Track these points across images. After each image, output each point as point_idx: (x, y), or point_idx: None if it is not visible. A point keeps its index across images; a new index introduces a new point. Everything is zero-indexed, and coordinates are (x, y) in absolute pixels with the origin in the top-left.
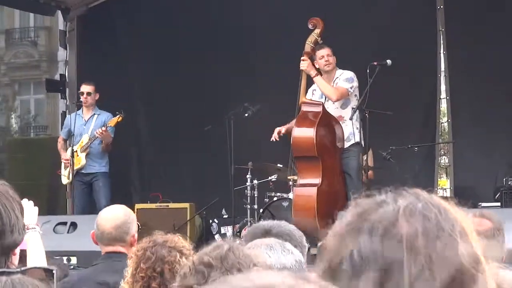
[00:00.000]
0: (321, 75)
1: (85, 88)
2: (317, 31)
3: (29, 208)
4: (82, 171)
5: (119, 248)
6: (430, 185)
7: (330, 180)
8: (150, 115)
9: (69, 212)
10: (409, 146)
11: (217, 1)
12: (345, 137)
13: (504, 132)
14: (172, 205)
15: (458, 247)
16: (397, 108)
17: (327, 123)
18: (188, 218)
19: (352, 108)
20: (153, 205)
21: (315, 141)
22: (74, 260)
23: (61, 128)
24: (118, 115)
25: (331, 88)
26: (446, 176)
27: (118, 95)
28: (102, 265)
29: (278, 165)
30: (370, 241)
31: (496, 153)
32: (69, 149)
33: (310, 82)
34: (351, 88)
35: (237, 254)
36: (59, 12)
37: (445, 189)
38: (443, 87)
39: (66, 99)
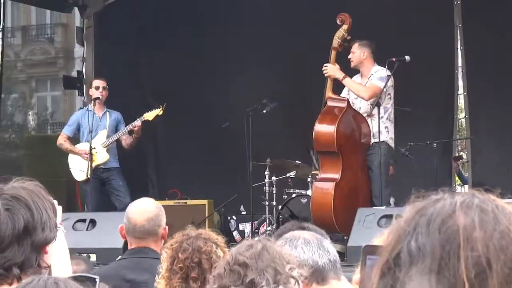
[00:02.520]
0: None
1: (100, 82)
2: (345, 26)
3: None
4: (102, 167)
5: (149, 242)
6: (448, 181)
7: (351, 176)
8: (166, 112)
9: (79, 209)
10: (428, 142)
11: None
12: (371, 134)
13: None
14: (190, 201)
15: None
16: (414, 104)
17: (351, 119)
18: (206, 215)
19: (384, 107)
20: (171, 202)
21: (335, 137)
22: (93, 257)
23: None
24: (160, 108)
25: (362, 88)
26: (464, 172)
27: (134, 91)
28: (129, 260)
29: (297, 161)
30: (428, 231)
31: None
32: (87, 144)
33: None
34: (384, 87)
35: (271, 252)
36: (76, 9)
37: (463, 185)
38: (460, 83)
39: (83, 96)
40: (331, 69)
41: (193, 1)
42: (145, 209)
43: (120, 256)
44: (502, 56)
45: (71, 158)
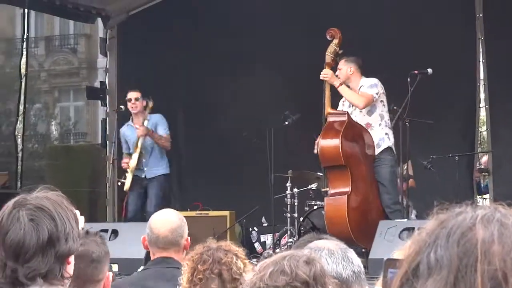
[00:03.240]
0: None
1: (132, 94)
2: (335, 41)
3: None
4: (138, 174)
5: (172, 253)
6: (469, 194)
7: (361, 188)
8: (189, 123)
9: (110, 219)
10: (450, 155)
11: (256, 8)
12: (375, 144)
13: None
14: (212, 213)
15: None
16: (436, 117)
17: (353, 131)
18: (228, 226)
19: (379, 114)
20: (193, 213)
21: (340, 150)
22: (115, 267)
23: (101, 137)
24: (147, 102)
25: (357, 96)
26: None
27: (157, 102)
28: (152, 270)
29: (318, 173)
30: (447, 243)
31: None
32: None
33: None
34: (376, 93)
35: (324, 272)
36: (99, 20)
37: (484, 198)
38: (482, 96)
39: (106, 106)
40: (331, 75)
41: (215, 12)
42: (168, 220)
43: (142, 266)
44: None
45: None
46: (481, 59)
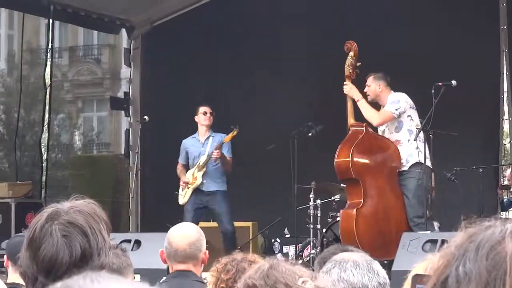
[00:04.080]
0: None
1: (207, 108)
2: (351, 54)
3: None
4: (201, 189)
5: (190, 266)
6: (494, 207)
7: (376, 201)
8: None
9: (133, 229)
10: (474, 167)
11: (280, 20)
12: (403, 160)
13: None
14: (235, 223)
15: None
16: (460, 129)
17: (371, 144)
18: (250, 237)
19: (408, 129)
20: (215, 224)
21: (350, 163)
22: (137, 278)
23: (125, 148)
24: (233, 130)
25: (373, 113)
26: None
27: (181, 113)
28: (170, 284)
29: (342, 185)
30: (476, 257)
31: None
32: (189, 172)
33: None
34: (396, 110)
35: (279, 270)
36: (123, 30)
37: (509, 212)
38: (506, 108)
39: (129, 116)
40: (351, 88)
41: (236, 23)
42: (186, 234)
43: (163, 278)
44: None
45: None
46: (505, 71)
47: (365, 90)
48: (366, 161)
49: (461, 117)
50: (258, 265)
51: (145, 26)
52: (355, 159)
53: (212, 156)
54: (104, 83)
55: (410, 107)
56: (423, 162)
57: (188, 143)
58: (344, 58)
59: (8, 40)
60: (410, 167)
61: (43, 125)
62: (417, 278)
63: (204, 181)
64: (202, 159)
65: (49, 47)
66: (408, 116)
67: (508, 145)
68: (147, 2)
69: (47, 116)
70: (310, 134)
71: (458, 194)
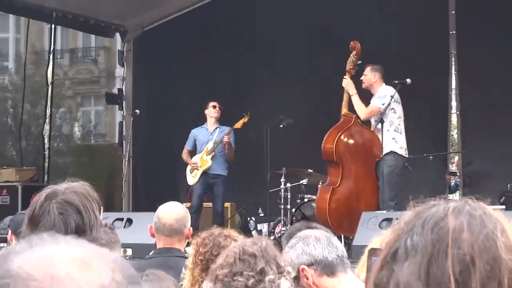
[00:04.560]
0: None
1: (216, 103)
2: (354, 52)
3: None
4: (208, 172)
5: (175, 243)
6: (441, 188)
7: (352, 183)
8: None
9: (125, 209)
10: (425, 155)
11: (255, 25)
12: (383, 147)
13: (508, 145)
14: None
15: (498, 242)
16: (414, 121)
17: (357, 133)
18: (229, 216)
19: (389, 121)
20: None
21: (334, 148)
22: (129, 251)
23: (118, 138)
24: (244, 116)
25: (362, 108)
26: (453, 191)
27: (168, 107)
28: (157, 259)
29: (309, 170)
30: (422, 231)
31: (501, 162)
32: (196, 156)
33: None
34: (382, 104)
35: (273, 249)
36: (117, 34)
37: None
38: (453, 103)
39: (123, 110)
40: (348, 83)
41: (215, 29)
42: (174, 211)
43: (150, 253)
44: (492, 81)
45: (188, 167)
46: (453, 71)
47: (361, 78)
48: (348, 148)
49: (415, 110)
50: (251, 239)
51: (136, 31)
52: (339, 145)
53: (224, 140)
54: (101, 81)
55: (394, 101)
56: (397, 151)
57: (197, 132)
58: (324, 64)
59: (15, 43)
60: (385, 155)
61: (45, 118)
62: (372, 251)
63: (213, 164)
64: (210, 144)
65: (51, 49)
66: (392, 109)
67: (455, 136)
68: (138, 9)
69: (49, 110)
70: (281, 126)
71: (411, 180)
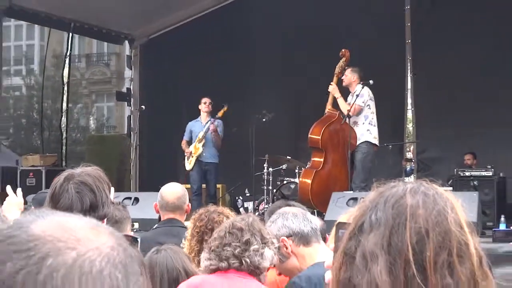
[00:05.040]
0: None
1: (207, 99)
2: (344, 59)
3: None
4: (200, 159)
5: (177, 215)
6: (400, 175)
7: (330, 168)
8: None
9: (133, 189)
10: (385, 144)
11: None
12: (358, 138)
13: (455, 136)
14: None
15: (448, 217)
16: (377, 116)
17: (338, 127)
18: (220, 196)
19: (364, 115)
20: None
21: (320, 137)
22: (136, 225)
23: (127, 129)
24: (223, 106)
25: (346, 108)
26: (408, 174)
27: (169, 103)
28: (162, 229)
29: (288, 157)
30: (384, 208)
31: (449, 150)
32: (191, 145)
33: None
34: (362, 102)
35: (258, 224)
36: (126, 42)
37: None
38: (409, 101)
39: (131, 106)
40: (334, 88)
41: (207, 38)
42: (175, 190)
43: (156, 225)
44: (442, 82)
45: (186, 157)
46: (409, 74)
47: (342, 78)
48: (332, 138)
49: (376, 106)
50: (241, 216)
51: (142, 39)
52: (324, 135)
53: (210, 127)
54: (112, 81)
55: (370, 99)
56: (371, 141)
57: (192, 124)
58: (308, 66)
59: (40, 49)
60: (360, 143)
61: (61, 112)
62: (340, 225)
63: (204, 153)
64: (201, 133)
65: (68, 54)
66: (368, 105)
67: (411, 128)
68: (143, 21)
69: (65, 105)
70: (264, 120)
71: (374, 166)
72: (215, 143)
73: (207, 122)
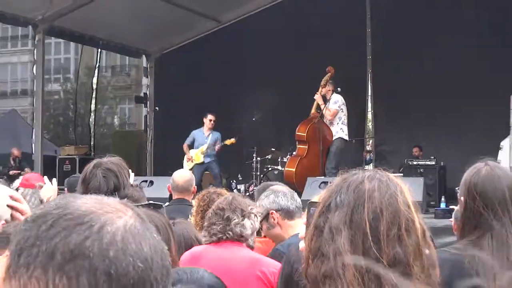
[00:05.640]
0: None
1: (212, 116)
2: (329, 74)
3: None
4: (200, 162)
5: (185, 195)
6: (361, 164)
7: (312, 157)
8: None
9: (149, 174)
10: (350, 139)
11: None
12: (333, 135)
13: (405, 133)
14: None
15: (398, 199)
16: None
17: (319, 126)
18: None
19: (338, 117)
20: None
21: (306, 133)
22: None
23: (144, 126)
24: (234, 138)
25: (328, 112)
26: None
27: (178, 106)
28: (173, 206)
29: (272, 148)
30: (347, 191)
31: (400, 144)
32: (193, 150)
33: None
34: (338, 107)
35: (238, 200)
36: (143, 56)
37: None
38: (369, 105)
39: (147, 107)
40: (319, 97)
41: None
42: (184, 175)
43: (168, 203)
44: (394, 91)
45: (185, 158)
46: (369, 83)
47: (322, 89)
48: (315, 134)
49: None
50: (224, 196)
51: (157, 54)
52: (309, 132)
53: (216, 148)
54: (132, 87)
55: (343, 104)
56: (343, 137)
57: (196, 133)
58: (295, 76)
59: (74, 61)
60: (335, 139)
61: (91, 112)
62: (311, 204)
63: (204, 159)
64: (205, 146)
65: (97, 65)
66: (341, 109)
67: (370, 127)
68: (157, 39)
69: (94, 106)
70: (254, 119)
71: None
72: (216, 152)
73: (208, 135)
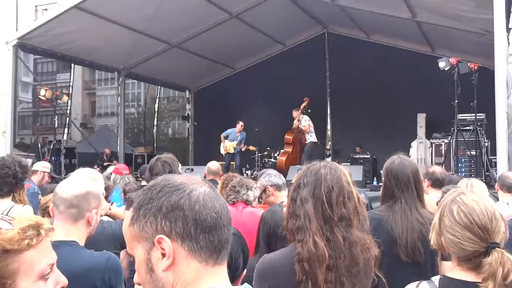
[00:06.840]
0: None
1: (242, 123)
2: (305, 103)
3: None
4: (232, 152)
5: (215, 177)
6: (323, 157)
7: (294, 153)
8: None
9: (191, 164)
10: (317, 141)
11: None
12: (307, 140)
13: (351, 137)
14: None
15: (342, 178)
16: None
17: (299, 134)
18: (235, 167)
19: (310, 130)
20: (222, 162)
21: (292, 138)
22: None
23: (187, 134)
24: (254, 148)
25: (303, 128)
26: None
27: (210, 124)
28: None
29: (267, 148)
30: (310, 175)
31: (348, 144)
32: (228, 142)
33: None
34: (308, 125)
35: (244, 179)
36: (187, 90)
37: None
38: (328, 120)
39: (189, 122)
40: (295, 123)
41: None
42: (215, 165)
43: None
44: (347, 110)
45: (221, 145)
46: (328, 98)
47: (296, 112)
48: (296, 139)
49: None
50: (236, 178)
51: (195, 89)
52: (294, 137)
53: (241, 148)
54: (180, 110)
55: (309, 120)
56: (313, 141)
57: (230, 131)
58: (287, 103)
59: (144, 94)
60: (308, 142)
61: (153, 126)
62: (290, 183)
63: (234, 151)
64: (235, 142)
65: (157, 96)
66: (311, 125)
67: (329, 133)
68: (195, 80)
69: (155, 122)
70: (256, 129)
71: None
72: (240, 149)
73: (239, 135)
